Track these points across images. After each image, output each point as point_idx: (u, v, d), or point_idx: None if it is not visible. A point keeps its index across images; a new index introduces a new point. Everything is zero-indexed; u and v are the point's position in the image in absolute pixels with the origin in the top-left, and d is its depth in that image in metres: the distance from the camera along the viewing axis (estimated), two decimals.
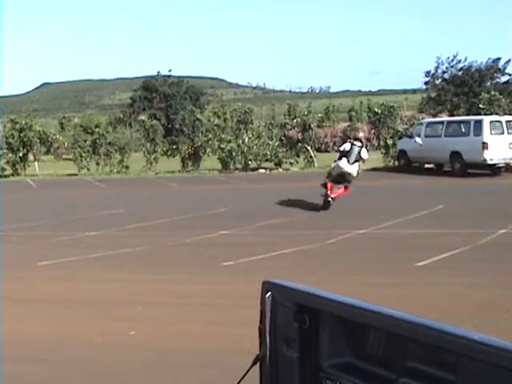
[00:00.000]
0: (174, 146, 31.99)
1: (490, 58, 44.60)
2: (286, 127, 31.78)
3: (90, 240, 12.32)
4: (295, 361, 1.39)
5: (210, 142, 30.33)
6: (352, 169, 14.61)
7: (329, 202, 14.54)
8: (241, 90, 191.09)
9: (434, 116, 36.85)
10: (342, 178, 14.67)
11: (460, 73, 44.43)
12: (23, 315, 7.27)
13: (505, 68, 44.29)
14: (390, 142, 27.62)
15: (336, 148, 15.27)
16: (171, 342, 6.16)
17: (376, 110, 31.19)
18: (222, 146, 28.82)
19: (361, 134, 15.78)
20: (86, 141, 30.91)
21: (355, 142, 14.84)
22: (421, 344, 1.13)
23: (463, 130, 22.97)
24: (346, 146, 14.80)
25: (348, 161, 14.56)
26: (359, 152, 14.65)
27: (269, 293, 1.44)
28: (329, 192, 14.54)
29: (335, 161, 14.99)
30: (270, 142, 29.76)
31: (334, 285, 7.41)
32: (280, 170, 28.75)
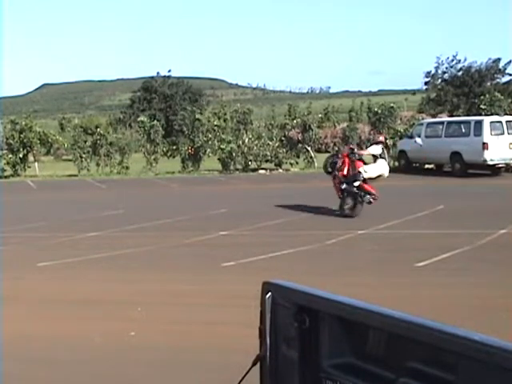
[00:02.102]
0: (174, 147, 32.01)
1: (490, 59, 44.50)
2: (286, 128, 31.79)
3: (90, 241, 12.32)
4: (295, 361, 1.39)
5: (210, 143, 30.33)
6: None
7: (374, 200, 13.83)
8: (241, 91, 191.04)
9: (434, 116, 36.82)
10: (376, 178, 14.22)
11: (460, 73, 44.37)
12: (23, 315, 7.27)
13: (505, 69, 44.22)
14: (390, 142, 27.61)
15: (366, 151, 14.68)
16: (171, 342, 6.16)
17: (376, 110, 31.22)
18: (222, 146, 28.83)
19: (381, 138, 15.54)
20: (86, 142, 30.94)
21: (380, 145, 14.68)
22: (421, 344, 1.13)
23: (463, 130, 22.98)
24: (378, 149, 14.37)
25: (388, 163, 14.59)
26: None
27: (269, 293, 1.43)
28: (373, 191, 13.79)
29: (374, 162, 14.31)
30: (270, 143, 29.76)
31: (333, 285, 7.41)
32: (280, 170, 28.76)
